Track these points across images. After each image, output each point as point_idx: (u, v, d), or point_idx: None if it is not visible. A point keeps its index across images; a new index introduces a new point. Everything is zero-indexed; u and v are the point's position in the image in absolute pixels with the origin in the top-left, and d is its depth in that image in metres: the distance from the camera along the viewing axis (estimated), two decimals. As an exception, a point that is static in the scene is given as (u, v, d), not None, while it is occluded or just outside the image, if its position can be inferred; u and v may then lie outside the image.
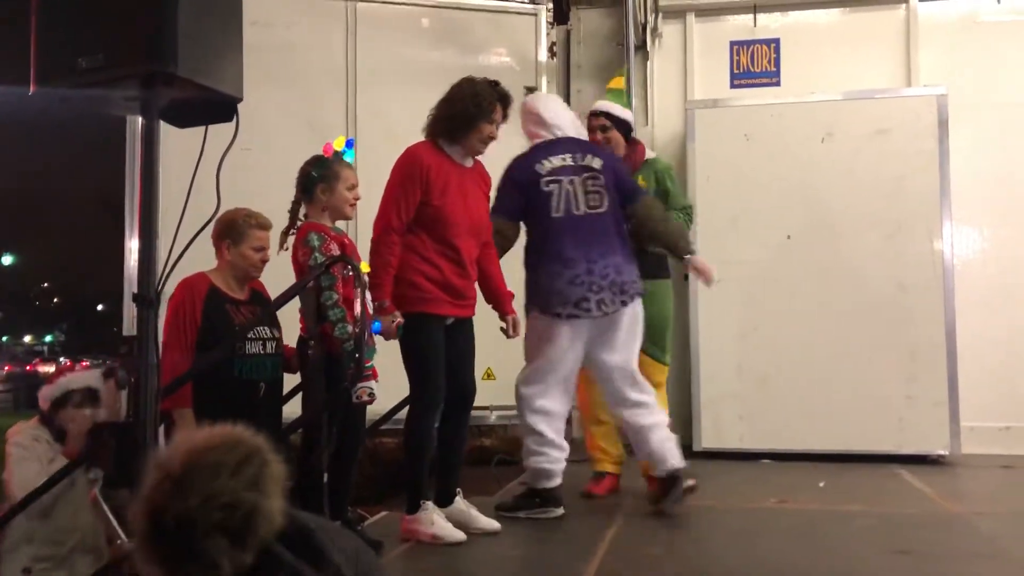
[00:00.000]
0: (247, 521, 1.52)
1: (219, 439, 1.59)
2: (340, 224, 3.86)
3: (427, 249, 3.81)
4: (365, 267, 3.65)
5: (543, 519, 4.20)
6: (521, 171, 4.32)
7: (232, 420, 3.28)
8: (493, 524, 3.95)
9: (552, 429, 4.27)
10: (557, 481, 4.28)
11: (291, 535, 1.61)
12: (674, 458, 4.26)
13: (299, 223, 3.71)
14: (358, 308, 3.46)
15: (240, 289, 3.67)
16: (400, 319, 3.67)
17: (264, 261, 3.67)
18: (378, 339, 3.71)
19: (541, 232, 4.28)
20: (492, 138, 3.95)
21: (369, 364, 3.51)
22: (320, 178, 3.63)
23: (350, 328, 3.42)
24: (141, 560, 1.55)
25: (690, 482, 4.30)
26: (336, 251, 3.53)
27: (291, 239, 3.70)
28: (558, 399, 4.28)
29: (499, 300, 4.11)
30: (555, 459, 4.26)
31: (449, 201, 3.83)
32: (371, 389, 3.51)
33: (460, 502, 3.97)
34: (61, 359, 35.10)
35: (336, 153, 3.68)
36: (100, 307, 52.68)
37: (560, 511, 4.26)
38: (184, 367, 3.35)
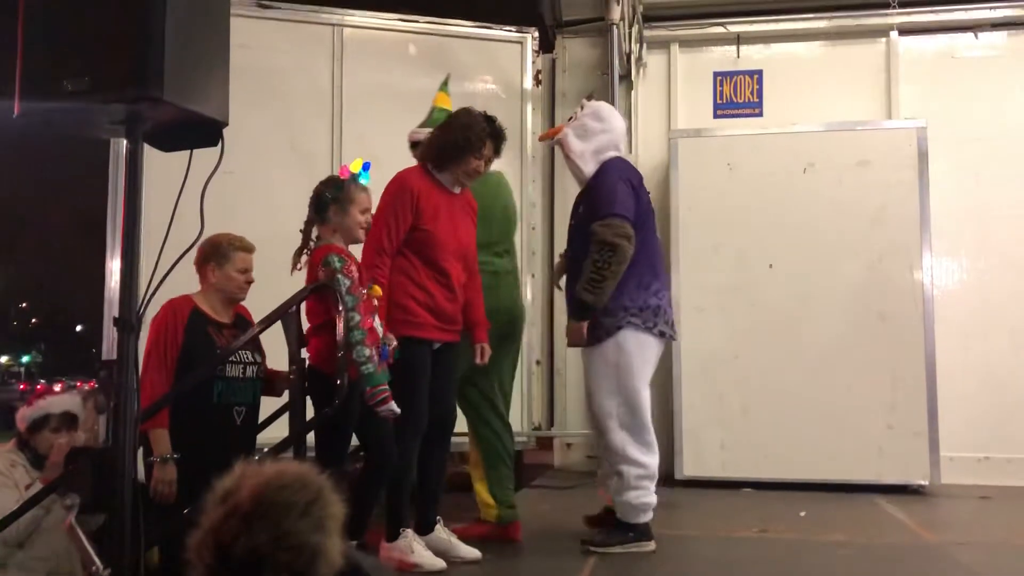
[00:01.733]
0: (311, 563, 1.53)
1: (290, 477, 1.59)
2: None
3: (418, 273, 3.81)
4: (378, 291, 3.62)
5: (638, 552, 3.99)
6: (634, 176, 4.14)
7: (208, 443, 3.29)
8: (473, 552, 3.91)
9: (655, 463, 4.07)
10: (651, 515, 4.09)
11: (344, 571, 1.62)
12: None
13: (312, 244, 3.66)
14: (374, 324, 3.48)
15: (225, 312, 3.66)
16: (395, 343, 3.66)
17: (249, 283, 3.67)
18: None
19: (644, 247, 4.05)
20: (478, 173, 3.95)
21: (383, 388, 3.44)
22: (334, 200, 3.60)
23: (367, 352, 3.39)
24: None
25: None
26: (356, 274, 3.51)
27: (304, 258, 3.67)
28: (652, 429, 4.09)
29: (475, 327, 4.06)
30: (653, 492, 4.06)
31: (440, 226, 3.84)
32: (392, 412, 3.46)
33: (440, 530, 3.94)
34: (40, 381, 35.53)
35: (352, 176, 3.66)
36: (79, 328, 52.22)
37: (653, 545, 4.07)
38: (163, 388, 3.34)
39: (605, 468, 4.23)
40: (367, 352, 3.38)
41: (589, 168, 4.14)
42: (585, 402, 4.45)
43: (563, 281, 4.35)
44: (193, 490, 3.30)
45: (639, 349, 3.99)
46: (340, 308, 3.35)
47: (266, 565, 1.49)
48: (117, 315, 2.32)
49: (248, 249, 3.67)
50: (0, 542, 3.39)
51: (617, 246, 3.87)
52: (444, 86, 4.59)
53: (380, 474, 3.60)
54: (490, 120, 3.96)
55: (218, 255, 3.60)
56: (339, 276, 3.43)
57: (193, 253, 3.22)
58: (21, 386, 35.30)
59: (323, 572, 1.55)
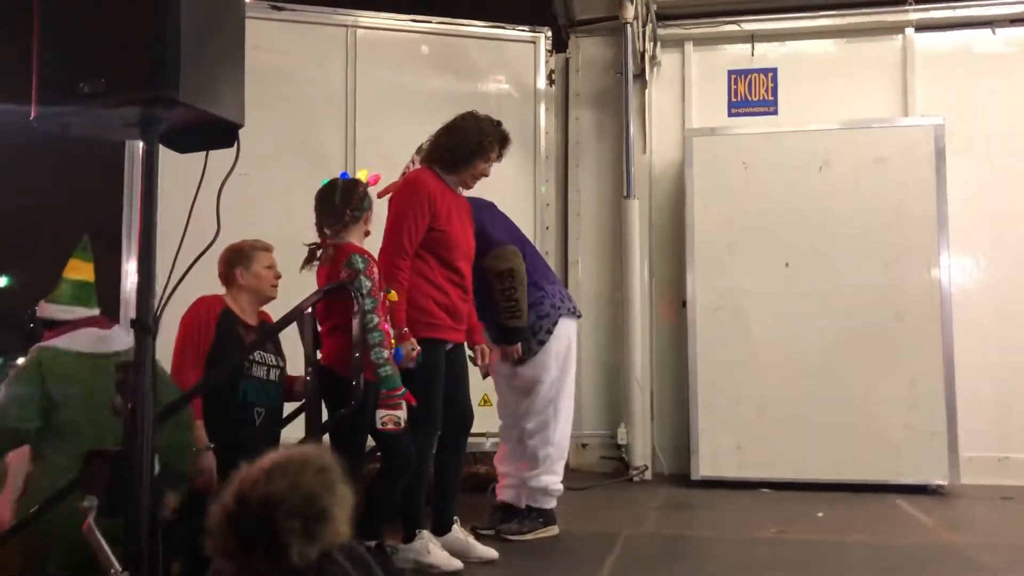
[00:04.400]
0: (320, 517, 1.69)
1: (309, 448, 1.82)
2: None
3: (435, 274, 3.85)
4: (394, 296, 3.62)
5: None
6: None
7: (228, 441, 3.31)
8: (491, 552, 3.92)
9: (567, 443, 4.51)
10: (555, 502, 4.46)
11: (348, 551, 1.77)
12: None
13: (333, 244, 3.63)
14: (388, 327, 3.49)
15: (252, 314, 3.74)
16: (418, 347, 3.67)
17: (278, 278, 3.78)
18: None
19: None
20: (485, 175, 4.06)
21: (401, 392, 3.45)
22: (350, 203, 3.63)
23: (386, 354, 3.39)
24: (213, 550, 1.70)
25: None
26: (377, 275, 3.51)
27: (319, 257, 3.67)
28: None
29: (472, 330, 4.13)
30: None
31: (453, 227, 3.90)
32: (398, 418, 3.43)
33: (457, 530, 3.94)
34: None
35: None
36: (94, 330, 52.32)
37: (556, 529, 4.42)
38: (195, 380, 3.38)
39: (510, 465, 4.44)
40: (385, 354, 3.38)
41: None
42: (498, 407, 4.59)
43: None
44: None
45: (570, 333, 4.42)
46: (356, 309, 3.34)
47: (279, 509, 1.65)
48: (133, 317, 2.32)
49: (268, 249, 3.80)
50: None
51: (513, 270, 4.15)
52: (82, 251, 3.60)
53: (396, 475, 3.58)
54: (497, 124, 4.05)
55: (242, 259, 3.70)
56: (361, 277, 3.43)
57: (209, 255, 3.20)
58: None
59: (330, 534, 1.70)
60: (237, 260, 3.70)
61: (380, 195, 3.98)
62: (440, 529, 3.89)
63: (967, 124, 6.34)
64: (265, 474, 1.69)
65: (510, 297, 4.14)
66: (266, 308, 3.84)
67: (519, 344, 4.26)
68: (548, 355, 4.31)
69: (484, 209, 4.33)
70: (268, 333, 3.60)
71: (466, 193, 4.17)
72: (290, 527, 1.65)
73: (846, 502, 5.38)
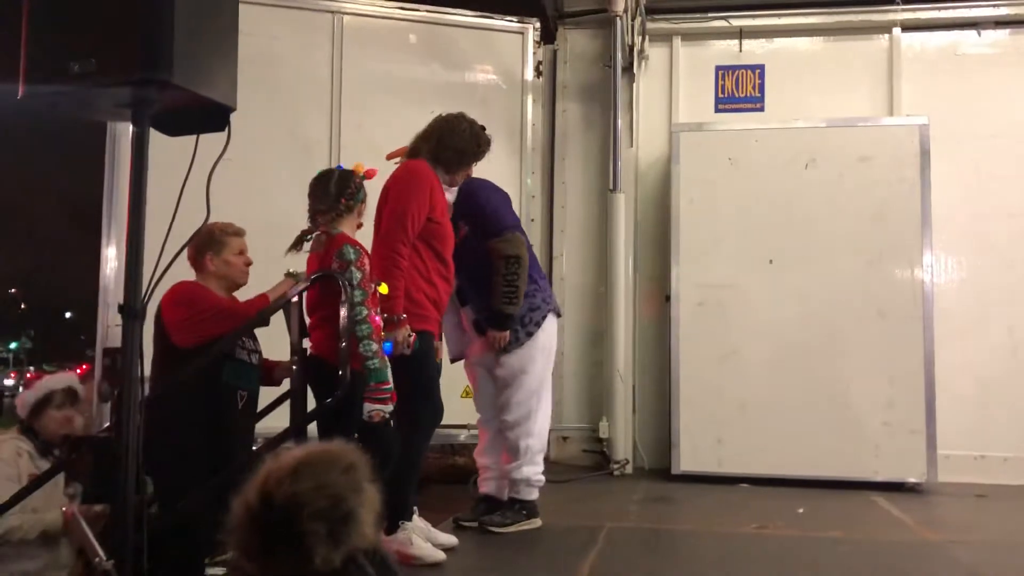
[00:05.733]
0: (346, 520, 1.62)
1: (335, 446, 1.73)
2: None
3: (426, 268, 3.88)
4: (384, 289, 3.59)
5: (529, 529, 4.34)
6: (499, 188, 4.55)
7: (210, 422, 3.25)
8: (451, 539, 3.95)
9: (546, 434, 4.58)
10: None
11: (372, 554, 1.72)
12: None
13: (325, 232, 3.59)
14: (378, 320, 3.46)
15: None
16: (414, 334, 3.67)
17: (248, 264, 3.68)
18: None
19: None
20: (468, 177, 4.21)
21: (389, 386, 3.43)
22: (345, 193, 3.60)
23: (374, 346, 3.36)
24: (235, 548, 1.63)
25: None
26: (368, 267, 3.48)
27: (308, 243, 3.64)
28: None
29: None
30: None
31: (446, 220, 3.97)
32: (385, 412, 3.42)
33: (418, 519, 3.93)
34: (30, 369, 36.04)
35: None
36: (68, 315, 51.88)
37: (539, 521, 4.42)
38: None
39: (490, 457, 4.44)
40: (374, 347, 3.35)
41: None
42: (476, 399, 4.56)
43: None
44: (190, 468, 3.24)
45: (554, 330, 4.50)
46: (344, 299, 3.31)
47: (305, 511, 1.58)
48: (114, 302, 2.29)
49: (239, 233, 3.69)
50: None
51: (520, 257, 4.21)
52: None
53: (381, 467, 3.55)
54: (483, 128, 4.20)
55: (213, 243, 3.60)
56: (352, 268, 3.40)
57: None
58: (12, 374, 35.28)
59: (355, 538, 1.63)
60: (207, 246, 3.58)
61: (389, 157, 4.09)
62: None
63: (951, 124, 6.38)
64: (291, 472, 1.62)
65: (511, 283, 4.17)
66: (249, 294, 3.76)
67: (507, 332, 4.25)
68: (535, 347, 4.32)
69: (495, 191, 4.37)
70: (261, 318, 3.53)
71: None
72: (315, 530, 1.59)
73: (825, 498, 5.41)
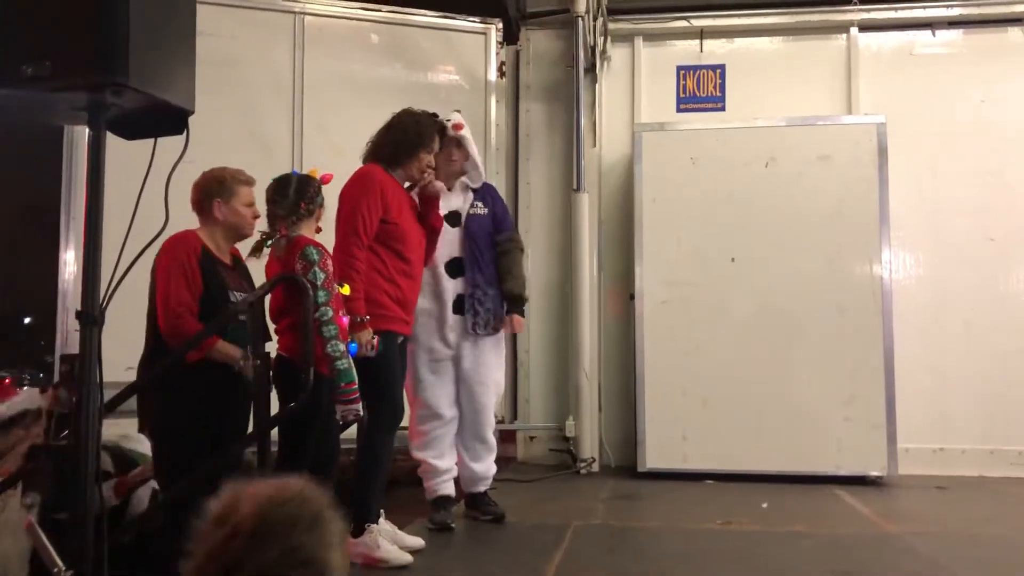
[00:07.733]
0: (319, 574, 1.47)
1: (290, 493, 1.52)
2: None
3: (387, 268, 3.89)
4: (346, 290, 3.58)
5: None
6: None
7: (215, 391, 3.14)
8: (418, 541, 3.94)
9: None
10: None
11: None
12: None
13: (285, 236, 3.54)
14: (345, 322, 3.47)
15: (226, 252, 3.45)
16: (376, 335, 3.69)
17: (256, 217, 3.48)
18: None
19: None
20: (431, 167, 4.12)
21: (356, 386, 3.38)
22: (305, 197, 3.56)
23: (341, 347, 3.35)
24: None
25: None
26: (331, 268, 3.45)
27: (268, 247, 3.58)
28: None
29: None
30: None
31: (403, 219, 3.96)
32: (356, 410, 3.41)
33: (384, 522, 3.92)
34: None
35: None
36: (27, 320, 50.93)
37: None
38: (192, 305, 3.19)
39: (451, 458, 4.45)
40: (341, 347, 3.34)
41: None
42: (437, 400, 4.47)
43: None
44: (190, 445, 3.17)
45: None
46: (308, 300, 3.28)
47: None
48: (72, 307, 2.25)
49: (250, 183, 3.47)
50: None
51: (523, 252, 4.70)
52: None
53: (324, 472, 3.50)
54: (433, 115, 4.16)
55: (224, 190, 3.38)
56: (315, 269, 3.38)
57: (155, 246, 3.10)
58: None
59: None
60: (218, 191, 3.34)
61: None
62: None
63: (908, 123, 6.50)
64: (250, 542, 1.44)
65: (522, 273, 4.58)
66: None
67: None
68: (502, 345, 4.61)
69: (500, 199, 4.74)
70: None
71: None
72: None
73: (788, 493, 5.48)
